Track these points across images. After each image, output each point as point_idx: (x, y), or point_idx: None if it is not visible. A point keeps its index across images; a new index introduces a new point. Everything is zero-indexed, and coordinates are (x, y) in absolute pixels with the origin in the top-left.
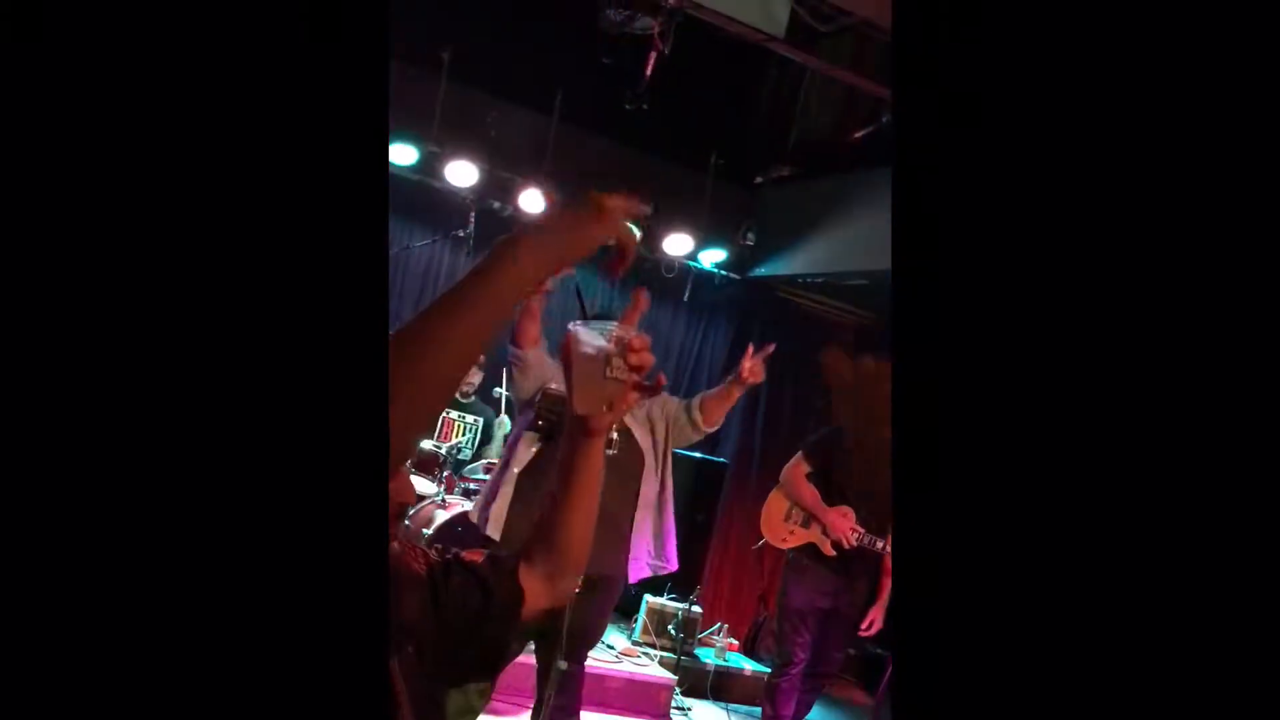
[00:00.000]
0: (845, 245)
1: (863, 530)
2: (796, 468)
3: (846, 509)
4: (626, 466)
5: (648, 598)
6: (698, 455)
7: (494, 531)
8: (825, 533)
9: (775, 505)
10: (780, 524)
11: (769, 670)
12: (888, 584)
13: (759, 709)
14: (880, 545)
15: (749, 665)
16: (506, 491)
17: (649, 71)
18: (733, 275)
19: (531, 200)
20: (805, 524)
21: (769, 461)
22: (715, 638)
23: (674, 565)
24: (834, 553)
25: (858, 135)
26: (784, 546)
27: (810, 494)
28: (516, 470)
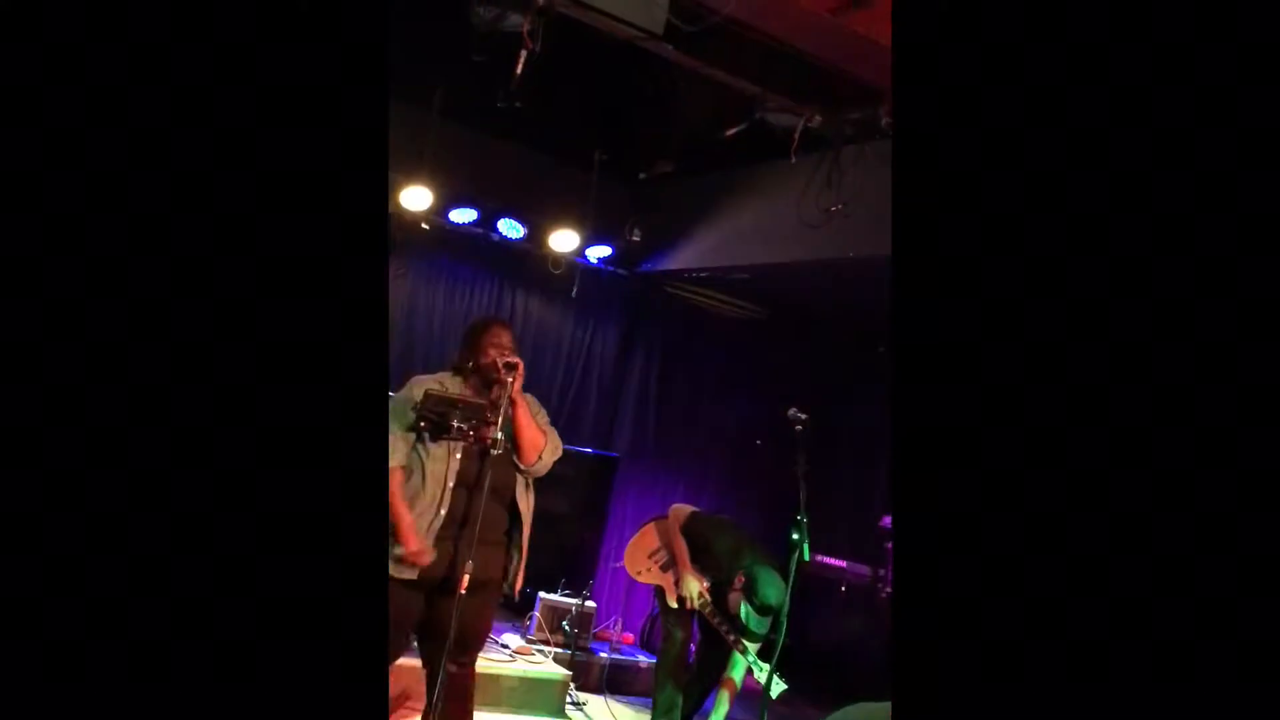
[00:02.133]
0: (727, 240)
1: (709, 600)
2: (682, 513)
3: (703, 576)
4: (503, 475)
5: (541, 595)
6: (590, 451)
7: None
8: (676, 584)
9: (648, 538)
10: (644, 557)
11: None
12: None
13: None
14: (719, 622)
15: (644, 657)
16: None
17: (519, 69)
18: (620, 271)
19: (414, 199)
20: (665, 568)
21: (661, 454)
22: (610, 631)
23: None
24: (676, 606)
25: (730, 133)
26: (637, 579)
27: (683, 543)
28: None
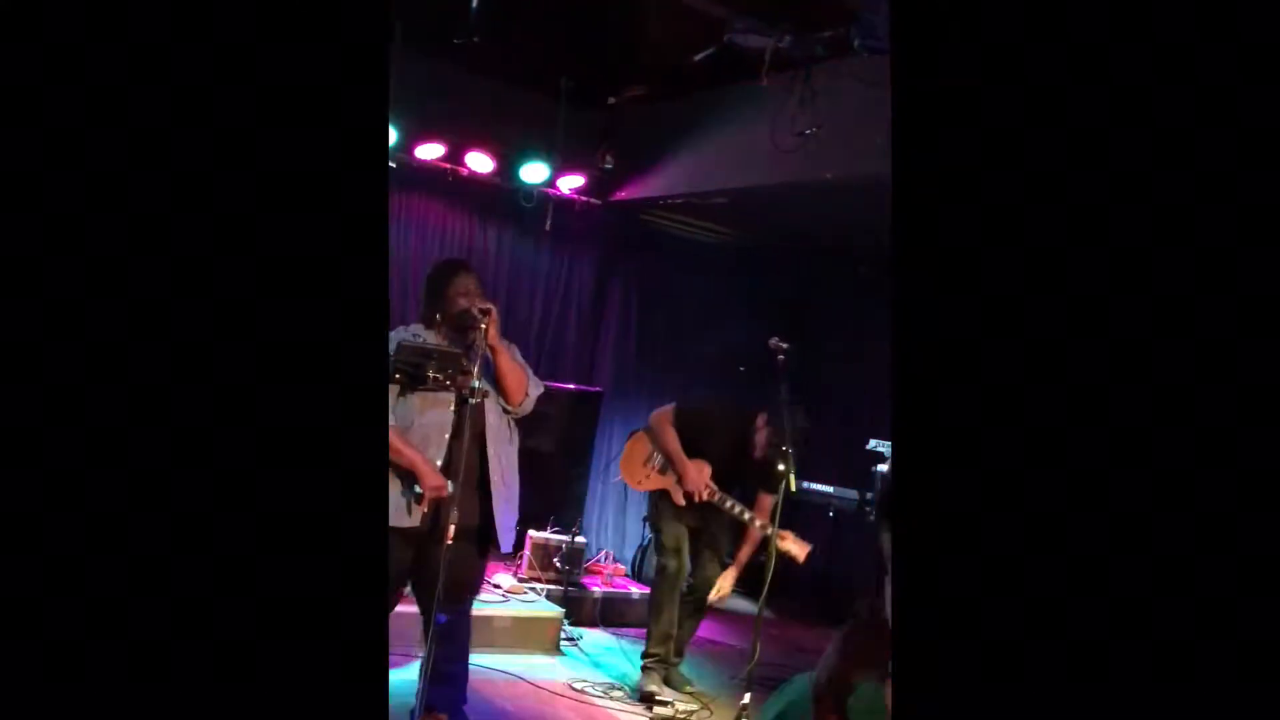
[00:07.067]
0: (702, 165)
1: (715, 487)
2: (665, 414)
3: (703, 464)
4: (481, 421)
5: (531, 533)
6: (571, 386)
7: None
8: (679, 482)
9: (638, 447)
10: (639, 466)
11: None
12: (744, 554)
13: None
14: (730, 505)
15: (636, 589)
16: None
17: (475, 2)
18: (593, 201)
19: None
20: (663, 470)
21: (643, 387)
22: (602, 566)
23: (506, 547)
24: (683, 503)
25: (698, 57)
26: (639, 488)
27: (673, 441)
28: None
